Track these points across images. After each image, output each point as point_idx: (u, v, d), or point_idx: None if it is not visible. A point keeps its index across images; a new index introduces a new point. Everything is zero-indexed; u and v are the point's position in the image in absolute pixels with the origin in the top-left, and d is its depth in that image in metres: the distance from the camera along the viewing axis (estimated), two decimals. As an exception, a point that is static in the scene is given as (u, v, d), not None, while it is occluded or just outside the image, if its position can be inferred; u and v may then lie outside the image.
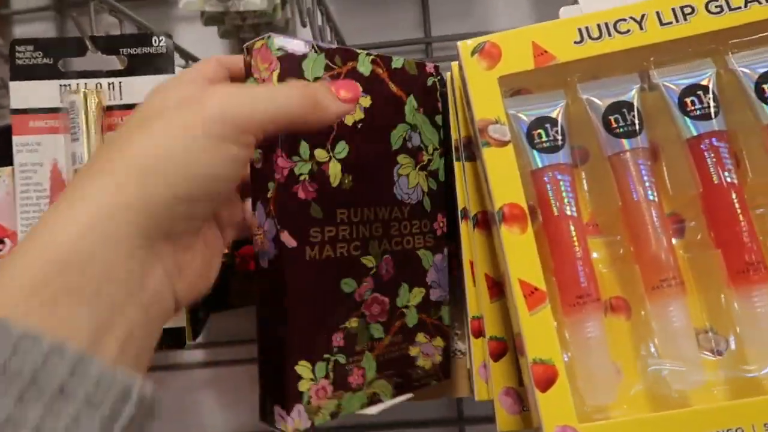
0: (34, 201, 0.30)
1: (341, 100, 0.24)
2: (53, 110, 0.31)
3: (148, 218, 0.20)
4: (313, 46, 0.26)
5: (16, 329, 0.16)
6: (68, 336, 0.17)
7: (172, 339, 0.31)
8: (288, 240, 0.25)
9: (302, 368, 0.25)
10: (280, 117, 0.22)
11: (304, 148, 0.26)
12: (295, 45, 0.25)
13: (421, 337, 0.30)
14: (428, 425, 0.47)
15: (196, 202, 0.21)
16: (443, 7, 0.49)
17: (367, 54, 0.28)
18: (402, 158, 0.29)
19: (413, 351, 0.29)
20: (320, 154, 0.26)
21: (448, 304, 0.31)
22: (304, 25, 0.38)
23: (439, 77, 0.31)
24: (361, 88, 0.27)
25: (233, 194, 0.25)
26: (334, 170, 0.27)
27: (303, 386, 0.25)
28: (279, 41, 0.25)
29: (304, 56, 0.26)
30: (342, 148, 0.27)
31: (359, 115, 0.28)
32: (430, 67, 0.31)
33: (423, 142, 0.30)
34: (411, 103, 0.30)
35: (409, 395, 0.29)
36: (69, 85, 0.31)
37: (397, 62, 0.29)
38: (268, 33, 0.25)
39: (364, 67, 0.28)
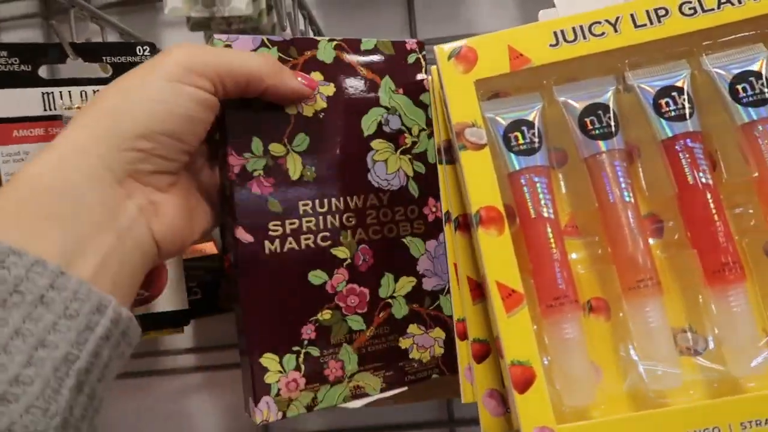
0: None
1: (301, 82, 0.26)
2: (37, 119, 0.31)
3: (115, 154, 0.22)
4: (263, 41, 0.26)
5: (2, 245, 0.18)
6: (44, 255, 0.19)
7: (172, 321, 0.32)
8: (243, 236, 0.25)
9: (268, 361, 0.25)
10: (236, 69, 0.24)
11: (256, 144, 0.26)
12: (242, 42, 0.26)
13: (414, 328, 0.29)
14: (419, 428, 0.47)
15: (157, 139, 0.23)
16: (429, 10, 0.50)
17: (330, 40, 0.28)
18: (377, 144, 0.28)
19: (404, 343, 0.28)
20: (276, 148, 0.26)
21: (448, 292, 0.29)
22: (284, 29, 0.38)
23: (423, 53, 0.30)
24: (316, 81, 0.27)
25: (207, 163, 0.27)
26: (293, 163, 0.26)
27: (270, 378, 0.25)
28: (223, 40, 0.25)
29: (253, 52, 0.26)
30: (301, 141, 0.26)
31: (320, 104, 0.27)
32: (411, 43, 0.30)
33: (404, 125, 0.29)
34: (387, 84, 0.29)
35: (402, 389, 0.29)
36: (52, 93, 0.31)
37: (367, 44, 0.29)
38: (211, 33, 0.26)
39: (326, 54, 0.27)
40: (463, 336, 0.28)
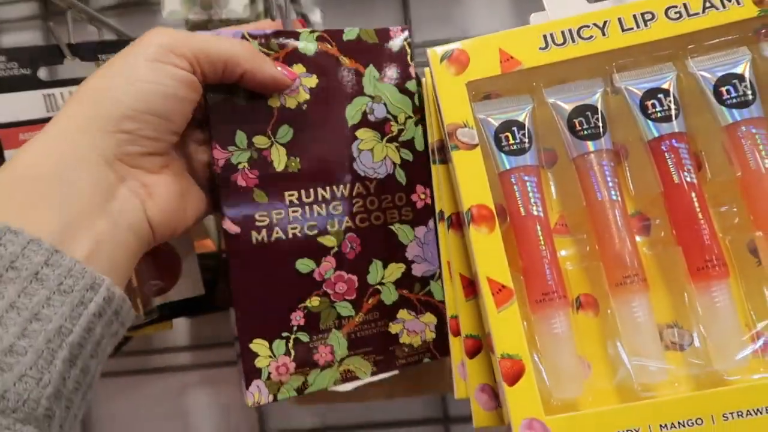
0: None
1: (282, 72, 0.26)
2: (41, 121, 0.31)
3: (102, 136, 0.22)
4: (243, 35, 0.27)
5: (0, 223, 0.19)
6: (40, 235, 0.19)
7: (189, 308, 0.33)
8: (230, 227, 0.26)
9: (258, 346, 0.26)
10: (213, 51, 0.24)
11: (240, 137, 0.26)
12: (223, 35, 0.26)
13: (404, 313, 0.29)
14: (413, 425, 0.48)
15: (142, 119, 0.23)
16: (424, 12, 0.50)
17: (312, 31, 0.28)
18: (363, 132, 0.29)
19: (394, 328, 0.29)
20: (260, 140, 0.26)
21: (439, 278, 0.30)
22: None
23: (409, 39, 0.30)
24: (296, 73, 0.27)
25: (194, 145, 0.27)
26: (278, 155, 0.27)
27: (261, 363, 0.26)
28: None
29: None
30: (285, 132, 0.27)
31: (303, 96, 0.27)
32: (395, 30, 0.30)
33: (390, 112, 0.29)
34: (371, 73, 0.29)
35: (393, 372, 0.29)
36: (53, 94, 0.32)
37: (350, 33, 0.29)
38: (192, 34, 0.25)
39: (308, 46, 0.28)
40: (457, 332, 0.29)
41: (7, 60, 0.31)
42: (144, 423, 0.51)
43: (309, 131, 0.27)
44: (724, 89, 0.26)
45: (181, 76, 0.24)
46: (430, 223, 0.30)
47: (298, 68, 0.28)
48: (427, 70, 0.30)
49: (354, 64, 0.28)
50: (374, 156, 0.29)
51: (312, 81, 0.28)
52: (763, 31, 0.27)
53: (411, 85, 0.30)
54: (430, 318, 0.30)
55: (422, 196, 0.30)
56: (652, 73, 0.27)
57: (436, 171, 0.30)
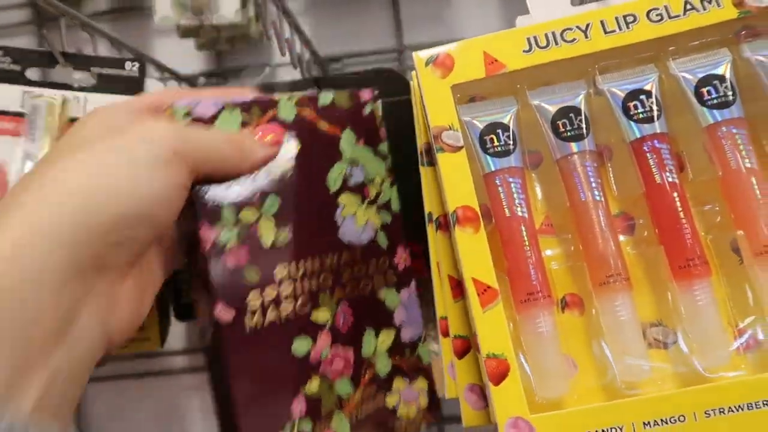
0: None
1: (266, 145, 0.25)
2: (14, 114, 0.31)
3: (83, 249, 0.18)
4: (225, 105, 0.25)
5: None
6: None
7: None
8: (223, 314, 0.23)
9: None
10: (212, 156, 0.23)
11: (228, 212, 0.24)
12: (203, 108, 0.24)
13: (398, 382, 0.28)
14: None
15: (138, 223, 0.20)
16: (415, 15, 0.51)
17: (290, 98, 0.27)
18: (344, 198, 0.27)
19: (391, 401, 0.27)
20: (247, 215, 0.24)
21: (425, 340, 0.29)
22: (269, 38, 0.39)
23: (378, 101, 0.30)
24: (283, 130, 0.26)
25: (168, 234, 0.24)
26: (266, 228, 0.25)
27: None
28: (183, 107, 0.24)
29: (215, 117, 0.24)
30: (272, 203, 0.25)
31: (287, 164, 0.26)
32: (365, 94, 0.29)
33: (368, 176, 0.28)
34: (348, 137, 0.28)
35: None
36: (32, 91, 0.32)
37: (325, 98, 0.28)
38: (173, 102, 0.24)
39: (287, 112, 0.27)
40: (446, 333, 0.29)
41: (2, 54, 0.31)
42: (141, 425, 0.51)
43: (294, 201, 0.26)
44: (704, 90, 0.27)
45: (182, 185, 0.22)
46: (412, 285, 0.29)
47: (281, 135, 0.27)
48: (414, 73, 0.30)
49: (332, 129, 0.28)
50: (357, 222, 0.28)
51: (294, 148, 0.26)
52: (743, 32, 0.27)
53: (383, 147, 0.30)
54: (422, 384, 0.29)
55: (403, 258, 0.29)
56: (634, 74, 0.27)
57: (425, 173, 0.30)
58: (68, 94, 0.33)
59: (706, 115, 0.26)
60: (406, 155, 0.34)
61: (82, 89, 0.33)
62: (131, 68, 0.33)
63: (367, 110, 0.29)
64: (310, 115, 0.27)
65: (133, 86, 0.33)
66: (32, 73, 0.32)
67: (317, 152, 0.27)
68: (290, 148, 0.26)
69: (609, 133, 0.28)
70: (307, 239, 0.26)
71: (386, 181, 0.29)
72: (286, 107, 0.27)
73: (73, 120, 0.32)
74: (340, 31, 0.51)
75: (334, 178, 0.27)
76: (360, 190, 0.28)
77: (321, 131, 0.27)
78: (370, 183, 0.29)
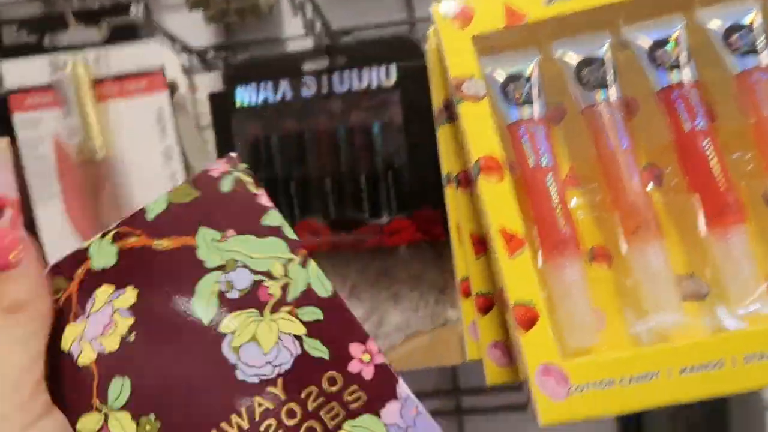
0: (41, 173, 0.33)
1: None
2: (46, 87, 0.32)
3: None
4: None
5: None
6: None
7: None
8: None
9: None
10: None
11: None
12: None
13: None
14: (424, 396, 0.47)
15: None
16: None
17: (103, 235, 0.20)
18: (227, 324, 0.20)
19: None
20: (87, 422, 0.18)
21: None
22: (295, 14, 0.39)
23: (243, 166, 0.22)
24: (11, 233, 0.19)
25: None
26: (119, 426, 0.18)
27: None
28: None
29: None
30: (118, 390, 0.19)
31: (124, 326, 0.19)
32: (216, 168, 0.21)
33: (258, 273, 0.20)
34: (204, 239, 0.20)
35: None
36: (56, 62, 0.33)
37: (155, 207, 0.21)
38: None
39: (104, 255, 0.20)
40: (467, 294, 0.29)
41: (18, 28, 0.32)
42: None
43: (153, 369, 0.19)
44: (733, 37, 0.26)
45: None
46: (402, 388, 0.20)
47: (106, 290, 0.20)
48: (431, 30, 0.30)
49: (178, 243, 0.20)
50: (262, 345, 0.19)
51: (128, 298, 0.20)
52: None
53: (271, 218, 0.21)
54: None
55: (365, 358, 0.20)
56: (660, 23, 0.27)
57: (443, 132, 0.30)
58: (90, 54, 0.33)
59: (735, 64, 0.26)
60: (421, 122, 0.33)
61: (99, 45, 0.33)
62: (137, 13, 0.33)
63: (225, 186, 0.21)
64: (138, 241, 0.20)
65: (144, 33, 0.33)
66: (48, 40, 0.33)
67: (166, 284, 0.20)
68: (121, 302, 0.20)
69: (635, 88, 0.27)
70: (194, 413, 0.19)
71: (292, 261, 0.20)
72: (101, 250, 0.20)
73: (99, 81, 0.32)
74: (352, 3, 0.51)
75: (204, 302, 0.20)
76: (252, 297, 0.20)
77: (161, 254, 0.20)
78: (266, 279, 0.20)
